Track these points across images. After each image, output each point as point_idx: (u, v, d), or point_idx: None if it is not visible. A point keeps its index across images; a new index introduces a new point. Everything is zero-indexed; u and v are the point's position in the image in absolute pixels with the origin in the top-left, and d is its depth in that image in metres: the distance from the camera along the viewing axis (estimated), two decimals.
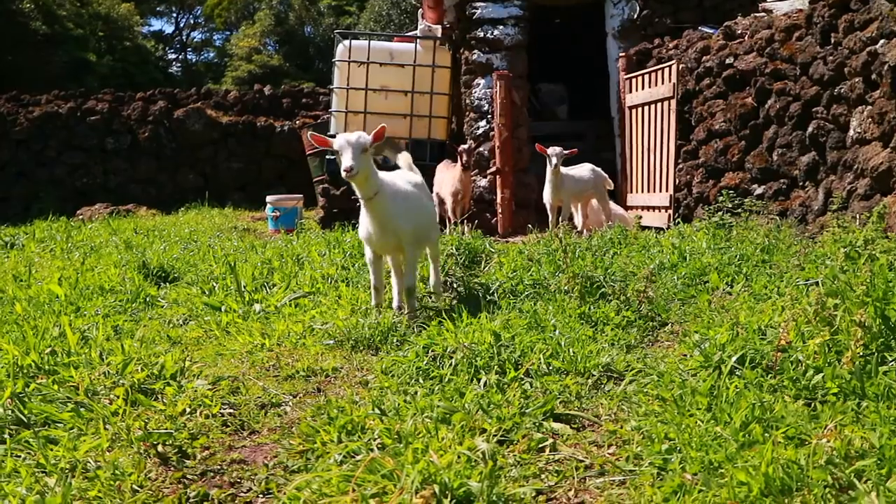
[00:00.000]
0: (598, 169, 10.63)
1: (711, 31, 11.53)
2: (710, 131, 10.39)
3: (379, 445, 3.11)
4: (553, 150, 9.77)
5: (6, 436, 3.47)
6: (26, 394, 3.88)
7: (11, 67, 28.34)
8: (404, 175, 6.06)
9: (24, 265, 8.81)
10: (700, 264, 6.64)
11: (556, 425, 3.46)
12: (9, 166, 18.45)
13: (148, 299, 6.77)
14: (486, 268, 7.45)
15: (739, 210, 8.54)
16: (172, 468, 3.18)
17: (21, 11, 30.69)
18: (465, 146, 11.26)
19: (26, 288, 7.27)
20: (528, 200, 12.67)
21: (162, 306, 6.59)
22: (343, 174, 5.07)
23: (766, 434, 3.01)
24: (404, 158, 6.38)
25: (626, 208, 11.58)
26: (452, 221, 11.06)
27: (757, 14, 10.75)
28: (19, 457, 3.26)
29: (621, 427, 3.41)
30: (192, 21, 55.81)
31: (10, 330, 5.45)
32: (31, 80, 26.11)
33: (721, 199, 8.97)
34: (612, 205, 11.00)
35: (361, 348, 5.06)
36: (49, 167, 18.53)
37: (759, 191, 9.35)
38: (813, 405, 3.44)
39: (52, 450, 3.28)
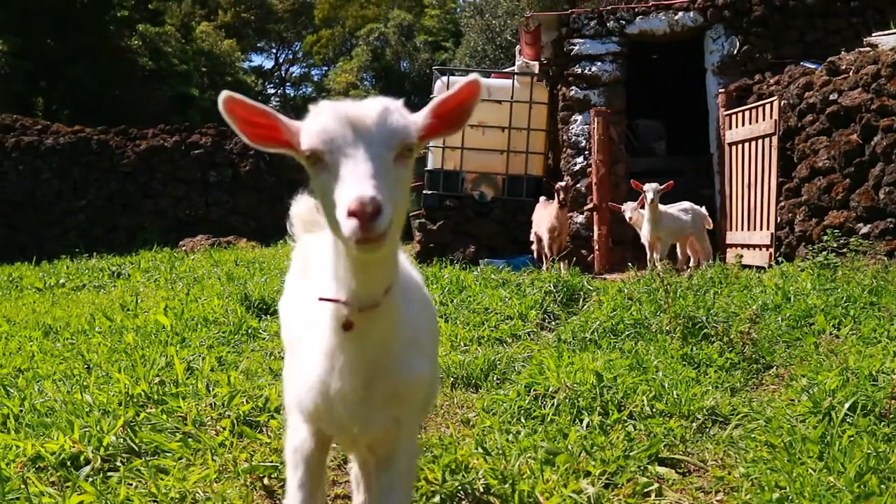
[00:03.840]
0: (697, 207, 10.52)
1: (814, 66, 11.31)
2: (812, 168, 10.18)
3: (484, 486, 3.11)
4: (649, 186, 9.71)
5: (119, 464, 3.57)
6: (137, 423, 3.99)
7: (120, 102, 29.53)
8: None
9: (130, 294, 9.07)
10: (805, 305, 6.47)
11: (662, 469, 3.42)
12: (116, 197, 19.10)
13: (250, 331, 6.87)
14: (585, 306, 7.40)
15: (844, 250, 8.32)
16: (278, 501, 3.23)
17: (129, 48, 31.99)
18: (562, 183, 11.25)
19: (133, 317, 7.47)
20: (625, 237, 12.56)
21: (263, 338, 6.69)
22: (347, 226, 1.76)
23: (883, 486, 2.92)
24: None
25: (726, 246, 11.40)
26: (549, 258, 11.03)
27: (861, 49, 10.51)
28: (132, 485, 3.35)
29: (729, 473, 3.35)
30: (290, 56, 57.34)
31: (119, 359, 5.61)
32: (138, 115, 27.13)
33: (825, 238, 8.75)
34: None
35: (461, 385, 5.08)
36: (154, 198, 19.13)
37: (864, 230, 9.10)
38: None
39: (162, 479, 3.36)
